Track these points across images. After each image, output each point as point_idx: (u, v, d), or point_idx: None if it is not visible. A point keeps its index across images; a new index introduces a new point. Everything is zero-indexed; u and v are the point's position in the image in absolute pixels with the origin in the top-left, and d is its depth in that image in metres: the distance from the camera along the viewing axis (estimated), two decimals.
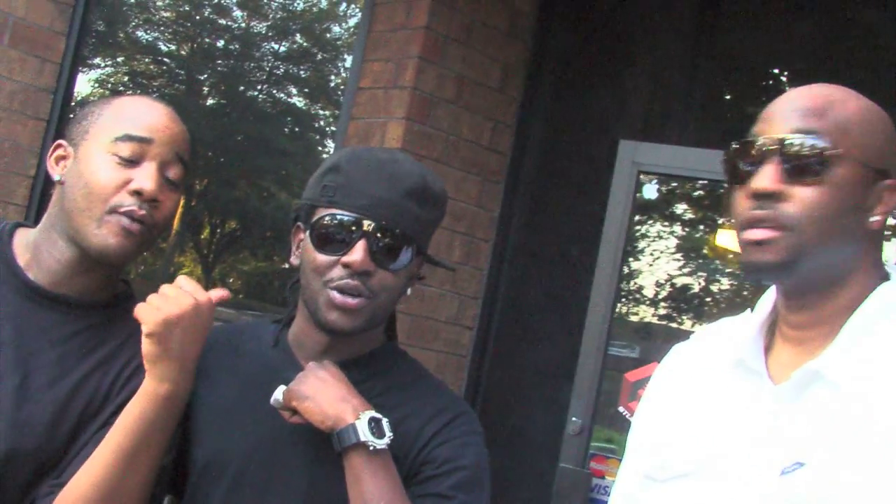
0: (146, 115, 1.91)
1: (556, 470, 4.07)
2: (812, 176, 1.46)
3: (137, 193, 1.85)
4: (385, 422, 1.75)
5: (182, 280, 1.82)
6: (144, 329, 1.76)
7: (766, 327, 1.62)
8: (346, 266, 1.82)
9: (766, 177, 1.47)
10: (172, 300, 1.77)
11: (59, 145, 1.94)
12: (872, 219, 1.51)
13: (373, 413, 1.75)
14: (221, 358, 1.97)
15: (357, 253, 1.81)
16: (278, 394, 1.81)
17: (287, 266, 2.00)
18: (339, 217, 1.84)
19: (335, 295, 1.82)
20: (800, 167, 1.47)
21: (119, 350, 1.93)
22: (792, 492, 1.42)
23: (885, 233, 1.55)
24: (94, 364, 1.90)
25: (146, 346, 1.76)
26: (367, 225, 1.82)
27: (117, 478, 1.76)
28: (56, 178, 1.91)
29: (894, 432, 1.39)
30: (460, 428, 1.89)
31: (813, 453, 1.43)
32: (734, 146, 1.55)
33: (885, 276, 1.56)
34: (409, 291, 1.95)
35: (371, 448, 1.72)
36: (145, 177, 1.86)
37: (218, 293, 1.85)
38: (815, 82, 1.59)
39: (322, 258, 1.84)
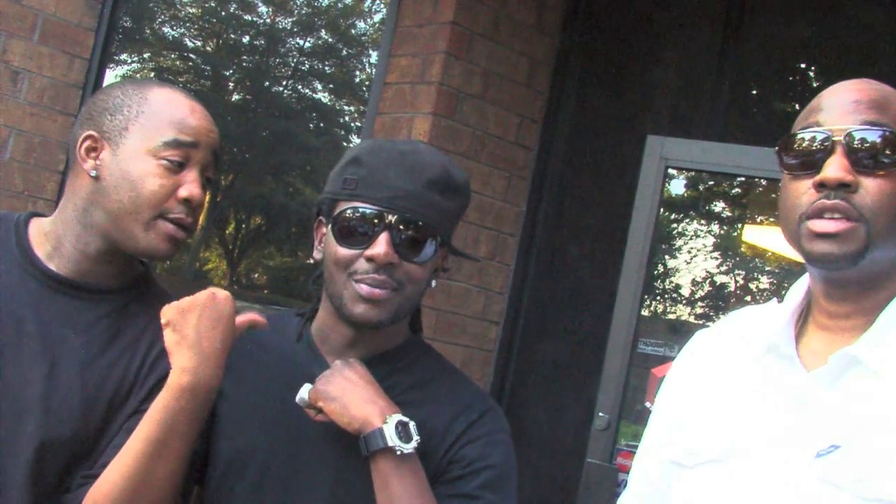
0: (190, 117, 1.90)
1: (582, 465, 4.07)
2: (884, 168, 1.48)
3: (187, 201, 1.86)
4: (412, 425, 1.73)
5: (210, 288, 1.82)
6: (161, 319, 1.76)
7: (797, 314, 1.63)
8: (369, 259, 1.79)
9: (838, 167, 1.47)
10: (191, 295, 1.78)
11: (90, 136, 1.91)
12: None
13: (400, 416, 1.73)
14: (245, 351, 1.95)
15: (380, 246, 1.78)
16: (304, 392, 1.80)
17: (311, 262, 1.98)
18: (361, 210, 1.81)
19: (362, 287, 1.80)
20: (872, 158, 1.48)
21: (143, 333, 1.93)
22: (827, 473, 1.44)
23: None
24: (120, 349, 1.91)
25: (165, 336, 1.76)
26: (390, 217, 1.79)
27: (147, 468, 1.75)
28: (92, 173, 1.88)
29: None
30: (487, 426, 1.87)
31: (848, 436, 1.44)
32: (793, 137, 1.55)
33: None
34: (433, 283, 1.92)
35: (398, 452, 1.70)
36: (193, 184, 1.87)
37: (249, 316, 1.85)
38: (842, 78, 1.60)
39: (345, 252, 1.82)
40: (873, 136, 1.48)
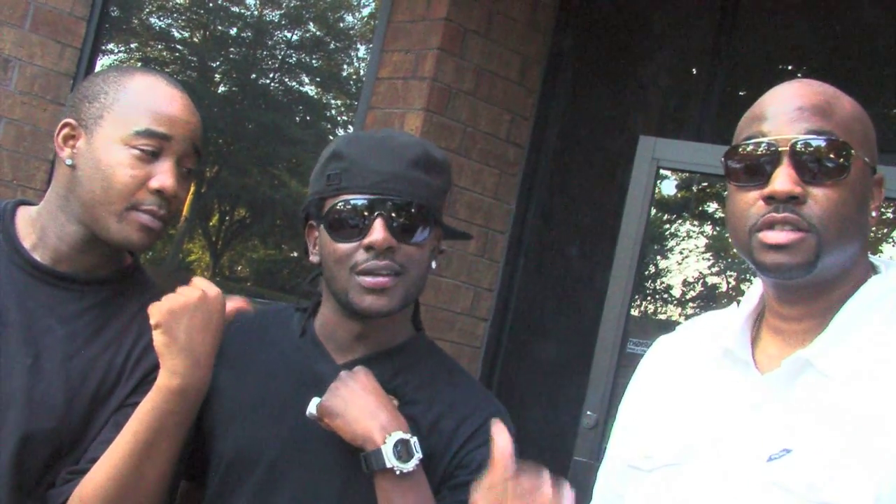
0: (167, 106, 1.87)
1: (570, 463, 4.07)
2: (831, 176, 1.47)
3: (158, 192, 1.83)
4: (413, 441, 1.72)
5: (196, 279, 1.80)
6: (151, 320, 1.74)
7: (753, 318, 1.63)
8: (368, 248, 1.78)
9: (786, 179, 1.47)
10: (179, 293, 1.76)
11: (67, 124, 1.88)
12: (872, 213, 1.54)
13: (401, 434, 1.71)
14: (245, 347, 1.94)
15: (377, 232, 1.77)
16: (312, 407, 1.78)
17: (309, 261, 1.93)
18: (350, 201, 1.80)
19: (365, 279, 1.78)
20: (819, 169, 1.47)
21: (129, 325, 1.91)
22: (778, 477, 1.44)
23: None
24: (106, 342, 1.88)
25: (155, 337, 1.74)
26: (381, 202, 1.78)
27: (135, 469, 1.74)
28: (67, 161, 1.86)
29: (880, 421, 1.40)
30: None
31: (800, 440, 1.44)
32: (739, 147, 1.54)
33: (874, 268, 1.58)
34: (433, 265, 1.90)
35: (398, 473, 1.69)
36: (166, 174, 1.83)
37: (236, 302, 1.83)
38: (835, 78, 1.61)
39: (343, 247, 1.80)
40: (819, 145, 1.47)
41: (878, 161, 1.56)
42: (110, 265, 1.94)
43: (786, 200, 1.47)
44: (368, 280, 1.78)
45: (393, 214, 1.79)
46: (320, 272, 1.92)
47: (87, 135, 1.85)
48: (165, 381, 1.73)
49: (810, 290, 1.52)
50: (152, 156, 1.83)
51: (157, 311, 1.74)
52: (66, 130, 1.88)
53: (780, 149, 1.48)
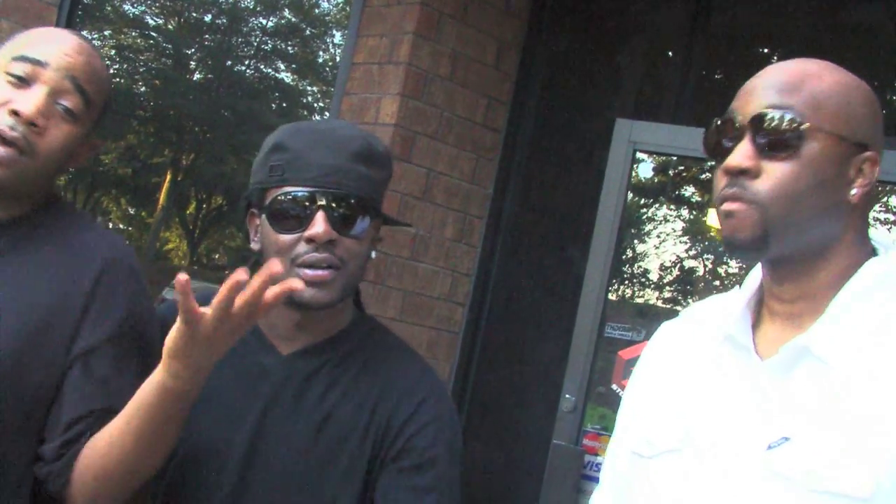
0: (50, 40, 1.84)
1: (549, 447, 4.08)
2: (784, 151, 1.47)
3: (15, 114, 1.76)
4: None
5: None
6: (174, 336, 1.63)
7: (753, 303, 1.62)
8: (309, 241, 1.79)
9: (740, 153, 1.48)
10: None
11: None
12: (852, 192, 1.51)
13: None
14: None
15: (318, 225, 1.78)
16: None
17: (250, 248, 1.95)
18: (292, 193, 1.81)
19: (305, 272, 1.79)
20: (772, 143, 1.47)
21: (57, 258, 1.85)
22: (777, 466, 1.43)
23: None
24: (32, 275, 1.82)
25: (169, 341, 1.62)
26: (322, 195, 1.80)
27: (137, 462, 1.73)
28: None
29: (879, 408, 1.40)
30: (433, 410, 1.87)
31: (799, 428, 1.44)
32: (714, 123, 1.56)
33: (873, 251, 1.57)
34: (373, 255, 1.93)
35: None
36: (27, 99, 1.77)
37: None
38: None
39: (284, 238, 1.81)
40: (774, 119, 1.48)
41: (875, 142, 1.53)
42: (17, 207, 1.86)
43: (737, 174, 1.48)
44: (309, 273, 1.79)
45: (333, 206, 1.81)
46: (259, 259, 1.91)
47: None
48: (167, 381, 1.66)
49: (794, 268, 1.52)
50: (21, 81, 1.79)
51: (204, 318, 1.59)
52: None
53: (741, 124, 1.50)
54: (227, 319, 1.55)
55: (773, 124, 1.47)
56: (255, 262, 1.94)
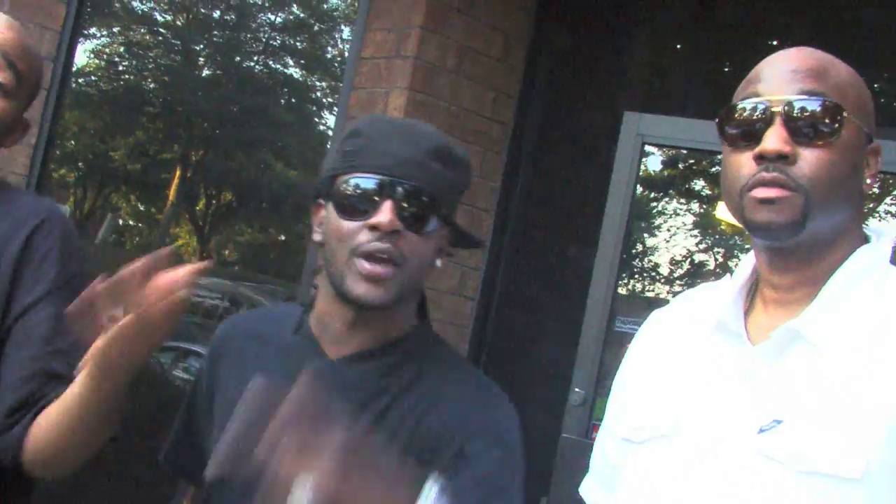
0: None
1: (558, 440, 4.08)
2: (822, 138, 1.48)
3: None
4: None
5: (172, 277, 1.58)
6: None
7: (745, 290, 1.63)
8: (373, 228, 1.70)
9: (777, 138, 1.47)
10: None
11: None
12: (867, 181, 1.55)
13: None
14: (245, 347, 1.88)
15: (384, 213, 1.69)
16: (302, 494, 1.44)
17: (311, 241, 1.88)
18: (362, 180, 1.73)
19: (363, 264, 1.70)
20: (810, 129, 1.48)
21: None
22: (769, 448, 1.44)
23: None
24: None
25: (97, 344, 1.60)
26: (393, 185, 1.71)
27: (90, 432, 1.74)
28: None
29: (870, 390, 1.41)
30: (494, 422, 1.79)
31: (790, 411, 1.45)
32: (733, 108, 1.55)
33: (866, 239, 1.59)
34: (438, 263, 1.83)
35: None
36: None
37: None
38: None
39: (347, 224, 1.73)
40: (812, 106, 1.48)
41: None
42: None
43: (775, 159, 1.47)
44: (367, 266, 1.70)
45: (403, 199, 1.72)
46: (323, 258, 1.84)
47: None
48: (92, 378, 1.66)
49: (800, 256, 1.53)
50: None
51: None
52: None
53: (772, 109, 1.49)
54: (122, 299, 1.54)
55: (808, 111, 1.48)
56: (317, 268, 1.92)
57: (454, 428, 1.74)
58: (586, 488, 1.84)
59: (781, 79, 1.52)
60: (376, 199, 1.72)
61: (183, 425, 1.96)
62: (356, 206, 1.73)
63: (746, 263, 1.65)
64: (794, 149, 1.47)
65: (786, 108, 1.49)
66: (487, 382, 1.89)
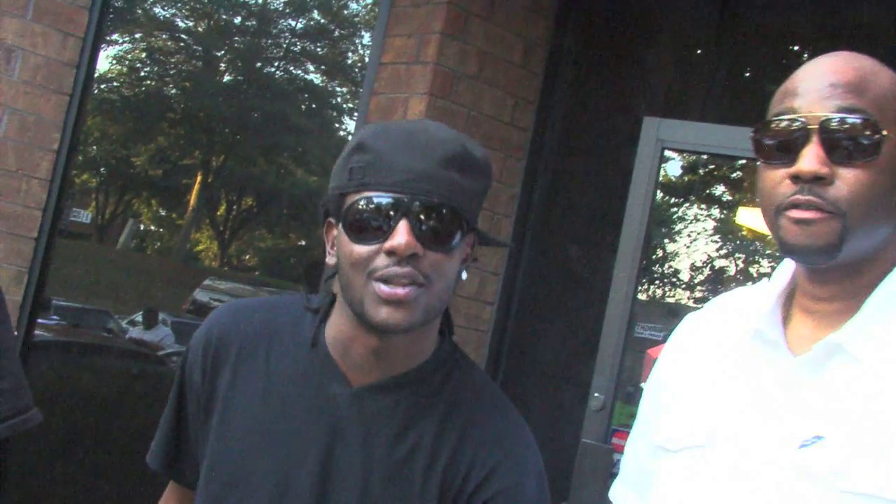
0: None
1: (578, 445, 4.08)
2: (861, 157, 1.42)
3: None
4: None
5: None
6: None
7: (784, 298, 1.59)
8: (389, 253, 1.54)
9: (813, 159, 1.41)
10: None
11: None
12: None
13: None
14: (249, 349, 1.75)
15: (400, 235, 1.53)
16: None
17: (326, 263, 1.73)
18: (374, 200, 1.57)
19: (382, 288, 1.55)
20: (848, 149, 1.42)
21: None
22: (810, 465, 1.40)
23: None
24: None
25: None
26: (407, 202, 1.55)
27: None
28: None
29: None
30: (505, 479, 1.66)
31: (832, 427, 1.41)
32: (770, 123, 1.49)
33: None
34: (464, 275, 1.68)
35: None
36: None
37: None
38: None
39: (361, 249, 1.57)
40: (850, 124, 1.42)
41: None
42: None
43: (811, 181, 1.42)
44: (386, 290, 1.54)
45: (420, 217, 1.56)
46: (335, 273, 1.69)
47: None
48: None
49: (839, 273, 1.48)
50: None
51: None
52: None
53: (809, 126, 1.43)
54: None
55: (847, 130, 1.42)
56: (330, 276, 1.80)
57: (474, 485, 1.65)
58: (616, 493, 1.80)
59: (818, 94, 1.45)
60: (390, 219, 1.56)
61: (170, 428, 1.83)
62: (369, 229, 1.57)
63: (785, 270, 1.61)
64: (831, 169, 1.41)
65: (822, 125, 1.42)
66: (512, 418, 1.77)
